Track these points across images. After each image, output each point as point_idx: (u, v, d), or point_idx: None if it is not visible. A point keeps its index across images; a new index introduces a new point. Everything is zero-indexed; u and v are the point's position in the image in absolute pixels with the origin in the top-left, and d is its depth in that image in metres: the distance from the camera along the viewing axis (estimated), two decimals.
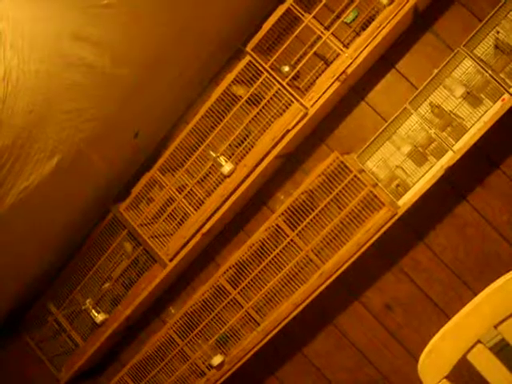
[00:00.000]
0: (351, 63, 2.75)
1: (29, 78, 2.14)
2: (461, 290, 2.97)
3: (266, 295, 3.02)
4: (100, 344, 3.38)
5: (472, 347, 1.36)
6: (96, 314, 3.36)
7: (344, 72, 2.76)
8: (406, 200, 2.76)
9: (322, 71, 2.90)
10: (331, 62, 2.84)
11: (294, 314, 2.93)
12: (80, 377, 3.57)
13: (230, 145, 2.99)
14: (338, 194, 2.81)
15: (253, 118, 2.92)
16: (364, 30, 2.78)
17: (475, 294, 2.16)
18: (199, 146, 3.02)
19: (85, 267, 3.40)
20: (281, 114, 2.87)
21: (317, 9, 2.76)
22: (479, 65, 2.67)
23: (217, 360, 3.07)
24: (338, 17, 2.92)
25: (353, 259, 2.81)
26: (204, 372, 3.16)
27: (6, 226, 2.63)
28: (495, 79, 2.62)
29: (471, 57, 2.69)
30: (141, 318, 3.60)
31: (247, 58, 2.87)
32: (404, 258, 3.07)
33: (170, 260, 3.15)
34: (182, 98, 3.28)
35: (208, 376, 3.14)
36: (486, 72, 2.64)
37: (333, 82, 2.78)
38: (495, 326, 1.38)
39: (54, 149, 2.55)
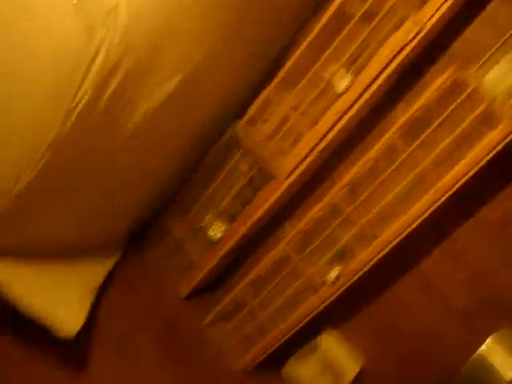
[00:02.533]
0: None
1: (150, 3, 2.59)
2: None
3: (380, 212, 3.50)
4: (218, 259, 3.99)
5: None
6: (214, 231, 4.03)
7: None
8: None
9: None
10: None
11: (410, 228, 3.38)
12: (198, 291, 4.22)
13: (345, 61, 3.41)
14: (455, 109, 3.21)
15: (368, 34, 3.34)
16: None
17: None
18: (315, 63, 3.47)
19: (203, 186, 4.00)
20: (396, 30, 3.27)
21: None
22: None
23: (333, 274, 3.62)
24: None
25: (468, 176, 3.20)
26: (319, 288, 3.73)
27: (135, 141, 3.11)
28: None
29: None
30: (257, 236, 4.17)
31: None
32: None
33: (286, 177, 3.66)
34: (296, 16, 3.77)
35: (322, 291, 3.70)
36: None
37: None
38: None
39: (174, 69, 3.01)
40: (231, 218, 3.95)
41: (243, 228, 3.88)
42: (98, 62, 2.48)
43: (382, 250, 3.46)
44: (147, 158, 3.39)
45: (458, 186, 3.25)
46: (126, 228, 3.95)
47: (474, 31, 3.47)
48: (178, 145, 3.59)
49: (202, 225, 3.97)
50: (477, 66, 3.24)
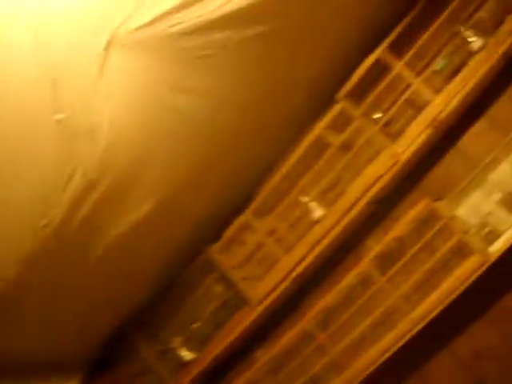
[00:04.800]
0: (442, 110, 3.21)
1: (133, 127, 2.68)
2: None
3: (353, 341, 3.47)
4: (188, 382, 3.97)
5: None
6: (184, 353, 3.96)
7: (435, 119, 3.23)
8: (497, 247, 3.12)
9: (414, 118, 3.35)
10: (422, 109, 3.30)
11: (381, 361, 3.36)
12: None
13: (321, 190, 3.48)
14: (428, 240, 3.25)
15: (344, 165, 3.42)
16: (454, 76, 3.30)
17: None
18: (291, 190, 3.54)
19: (174, 307, 4.00)
20: (372, 161, 3.35)
21: (408, 56, 3.29)
22: None
23: None
24: (428, 64, 3.42)
25: (442, 307, 3.21)
26: None
27: (105, 262, 3.15)
28: None
29: None
30: (228, 360, 4.09)
31: (339, 105, 3.40)
32: (495, 307, 3.43)
33: (259, 303, 3.67)
34: (274, 143, 3.80)
35: None
36: None
37: (424, 129, 3.25)
38: None
39: (150, 193, 3.08)
40: (203, 340, 3.88)
41: (215, 351, 3.86)
42: (75, 181, 2.59)
43: (353, 381, 3.43)
44: (118, 279, 3.43)
45: (431, 315, 3.26)
46: (95, 344, 3.96)
47: (446, 164, 3.58)
48: (151, 265, 3.58)
49: (173, 346, 3.89)
50: (449, 199, 3.33)
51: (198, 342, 3.94)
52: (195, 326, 3.87)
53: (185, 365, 3.94)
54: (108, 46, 2.34)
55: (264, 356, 3.73)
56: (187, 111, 2.88)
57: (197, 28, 2.55)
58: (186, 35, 2.55)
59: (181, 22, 2.47)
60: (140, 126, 2.72)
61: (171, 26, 2.46)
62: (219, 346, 3.82)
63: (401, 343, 3.32)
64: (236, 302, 3.70)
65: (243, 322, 3.73)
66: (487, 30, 3.18)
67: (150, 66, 2.55)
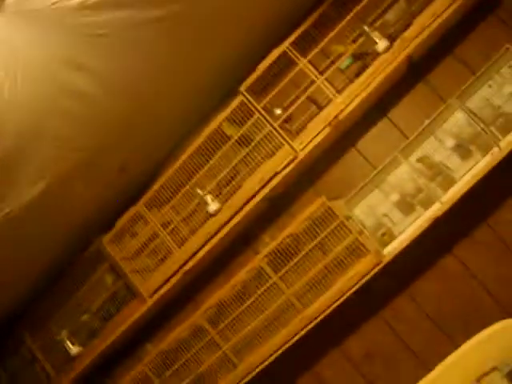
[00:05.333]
0: (343, 109, 3.19)
1: (20, 100, 2.53)
2: (442, 342, 3.37)
3: (245, 337, 3.42)
4: (74, 375, 3.86)
5: None
6: (71, 346, 3.80)
7: (336, 117, 3.19)
8: (392, 249, 3.17)
9: (314, 115, 3.34)
10: (324, 107, 3.28)
11: (272, 358, 3.35)
12: None
13: (217, 184, 3.41)
14: (323, 239, 3.24)
15: (242, 159, 3.36)
16: (358, 76, 3.29)
17: (457, 347, 2.81)
18: (187, 183, 3.47)
19: (63, 298, 3.85)
20: (270, 156, 3.30)
21: (312, 53, 3.23)
22: (470, 117, 3.09)
23: None
24: (333, 62, 3.39)
25: (334, 306, 3.22)
26: None
27: None
28: (486, 132, 3.04)
29: (463, 109, 3.12)
30: (117, 354, 4.05)
31: (240, 98, 3.32)
32: (386, 308, 3.50)
33: (150, 296, 3.59)
34: (172, 134, 3.70)
35: None
36: (477, 124, 3.06)
37: (324, 127, 3.23)
38: (477, 380, 1.83)
39: (39, 175, 2.95)
40: (91, 333, 3.74)
41: (102, 345, 3.77)
42: None
43: (244, 377, 3.43)
44: (3, 264, 3.32)
45: (324, 314, 3.29)
46: None
47: (345, 163, 3.63)
48: (39, 252, 3.50)
49: (60, 338, 3.74)
50: (346, 199, 3.33)
51: (86, 335, 3.83)
52: (84, 318, 3.75)
53: (72, 358, 3.81)
54: None
55: (154, 350, 3.65)
56: (81, 91, 2.77)
57: (97, 4, 2.42)
58: (85, 10, 2.42)
59: None
60: (27, 101, 2.59)
61: None
62: (107, 339, 3.74)
63: (293, 341, 3.33)
64: (126, 294, 3.59)
65: (133, 315, 3.66)
66: (393, 32, 3.21)
67: (41, 38, 2.42)
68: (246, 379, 3.43)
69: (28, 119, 2.66)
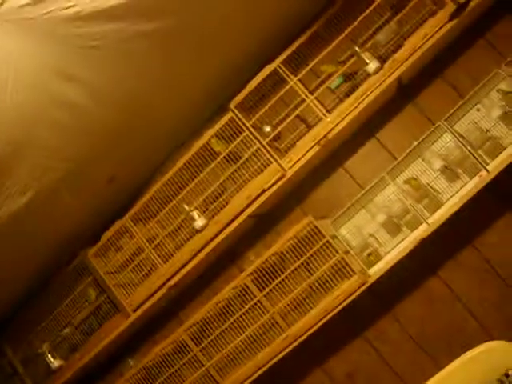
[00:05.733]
0: (332, 129, 3.20)
1: (10, 109, 2.52)
2: (425, 364, 3.37)
3: (228, 355, 3.40)
4: None
5: None
6: (52, 360, 3.74)
7: (325, 137, 3.21)
8: (377, 269, 3.17)
9: (303, 134, 3.36)
10: (313, 126, 3.31)
11: (255, 376, 3.33)
12: None
13: (204, 200, 3.41)
14: (308, 258, 3.22)
15: (230, 175, 3.36)
16: (348, 96, 3.33)
17: (440, 369, 2.81)
18: (174, 198, 3.45)
19: (46, 310, 3.82)
20: (258, 174, 3.30)
21: (303, 72, 3.24)
22: (459, 140, 3.12)
23: None
24: (323, 82, 3.41)
25: (319, 325, 3.21)
26: None
27: None
28: (474, 155, 3.06)
29: (451, 132, 3.15)
30: (98, 369, 4.02)
31: (229, 115, 3.33)
32: (370, 328, 3.50)
33: (134, 311, 3.55)
34: (161, 148, 3.70)
35: None
36: (465, 147, 3.09)
37: (313, 146, 3.24)
38: None
39: (26, 185, 2.93)
40: (72, 346, 3.71)
41: (84, 359, 3.73)
42: None
43: None
44: None
45: (308, 333, 3.28)
46: None
47: (332, 183, 3.66)
48: (23, 263, 3.51)
49: (41, 352, 3.70)
50: (333, 218, 3.35)
51: (68, 349, 3.78)
52: (65, 331, 3.71)
53: (52, 372, 3.75)
54: None
55: (136, 366, 3.62)
56: (71, 101, 2.77)
57: (90, 15, 2.42)
58: (77, 21, 2.42)
59: (73, 6, 2.33)
60: (16, 110, 2.58)
61: (62, 9, 2.32)
62: (89, 353, 3.69)
63: (276, 359, 3.33)
64: (109, 308, 3.57)
65: (115, 329, 3.63)
66: (384, 54, 3.24)
67: (33, 47, 2.41)
68: None
69: (17, 128, 2.65)
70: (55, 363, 3.78)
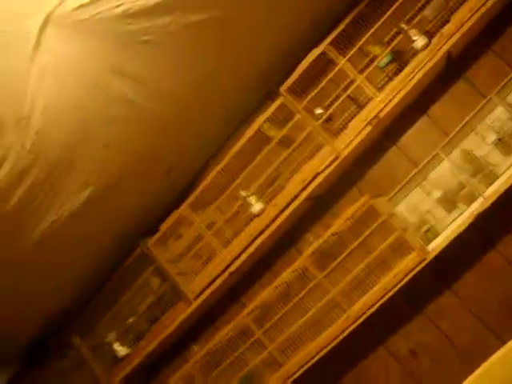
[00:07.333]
0: (383, 107, 3.22)
1: (68, 111, 2.61)
2: (488, 339, 3.35)
3: (290, 337, 3.45)
4: (123, 377, 3.92)
5: None
6: (119, 348, 3.89)
7: (376, 116, 3.23)
8: (435, 245, 3.16)
9: (355, 114, 3.37)
10: (364, 106, 3.31)
11: (318, 357, 3.38)
12: None
13: (260, 185, 3.47)
14: (367, 237, 3.26)
15: (284, 159, 3.41)
16: (397, 74, 3.31)
17: (503, 343, 2.80)
18: (230, 184, 3.51)
19: (110, 301, 3.91)
20: (312, 156, 3.35)
21: (351, 52, 3.26)
22: (511, 112, 3.13)
23: None
24: (372, 61, 3.42)
25: (379, 304, 3.22)
26: None
27: (35, 257, 3.08)
28: None
29: (503, 104, 3.11)
30: (164, 355, 4.12)
31: (281, 99, 3.38)
32: (430, 305, 3.51)
33: (196, 298, 3.63)
34: (215, 136, 3.78)
35: None
36: None
37: (365, 126, 3.25)
38: None
39: (86, 181, 3.00)
40: (138, 334, 3.82)
41: (150, 346, 3.82)
42: (6, 167, 2.50)
43: (290, 376, 3.42)
44: (53, 269, 3.38)
45: (369, 312, 3.28)
46: (25, 340, 3.91)
47: (387, 161, 3.64)
48: (85, 258, 3.57)
49: (107, 341, 3.82)
50: (389, 196, 3.33)
51: (133, 337, 3.89)
52: (130, 320, 3.78)
53: (119, 360, 3.87)
54: (44, 26, 2.28)
55: (200, 351, 3.67)
56: (125, 97, 2.84)
57: (139, 11, 2.50)
58: (127, 18, 2.51)
59: (123, 4, 2.42)
60: (75, 110, 2.66)
61: (112, 8, 2.41)
62: (154, 340, 3.78)
63: (338, 340, 3.34)
64: (172, 296, 3.64)
65: (179, 316, 3.71)
66: (431, 29, 3.21)
67: (88, 47, 2.50)
68: (292, 378, 3.44)
69: (76, 126, 2.73)
70: (122, 351, 3.89)
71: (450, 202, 3.28)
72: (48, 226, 2.99)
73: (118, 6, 2.43)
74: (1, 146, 2.45)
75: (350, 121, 3.40)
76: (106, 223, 3.47)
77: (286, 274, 3.42)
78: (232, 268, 3.55)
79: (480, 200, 3.11)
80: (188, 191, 3.79)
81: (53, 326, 3.96)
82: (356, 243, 3.27)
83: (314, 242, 3.39)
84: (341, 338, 3.33)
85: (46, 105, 2.49)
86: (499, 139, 3.18)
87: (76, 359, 4.01)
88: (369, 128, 3.25)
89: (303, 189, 3.37)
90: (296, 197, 3.39)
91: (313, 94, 3.34)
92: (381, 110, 3.23)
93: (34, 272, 3.24)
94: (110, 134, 2.93)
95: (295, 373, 3.42)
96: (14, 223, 2.78)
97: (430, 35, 3.16)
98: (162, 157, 3.39)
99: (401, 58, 3.38)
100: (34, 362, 3.90)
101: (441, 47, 3.12)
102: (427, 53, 3.14)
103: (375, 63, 3.31)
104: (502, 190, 3.02)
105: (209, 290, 3.63)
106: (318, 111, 3.45)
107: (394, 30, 3.29)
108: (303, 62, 3.33)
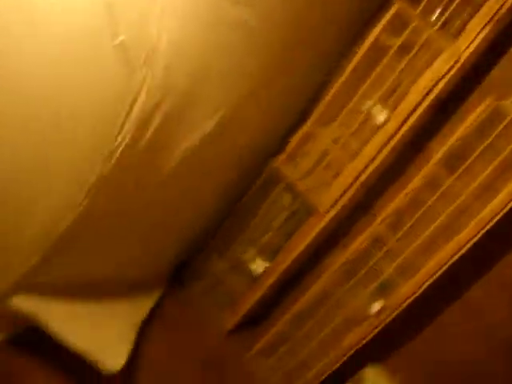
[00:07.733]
0: (503, 4, 3.14)
1: (189, 44, 2.67)
2: None
3: (424, 243, 3.52)
4: (260, 294, 4.09)
5: None
6: (256, 266, 4.12)
7: (497, 13, 3.16)
8: None
9: (474, 13, 3.29)
10: (481, 6, 3.25)
11: (454, 259, 3.40)
12: (241, 326, 4.32)
13: (382, 95, 3.52)
14: (494, 138, 3.24)
15: (403, 68, 3.42)
16: None
17: None
18: (352, 98, 3.58)
19: (245, 220, 4.13)
20: (432, 61, 3.34)
21: None
22: None
23: (376, 307, 3.65)
24: None
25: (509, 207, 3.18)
26: (362, 321, 3.74)
27: (173, 181, 3.20)
28: None
29: None
30: (299, 270, 4.24)
31: (395, 7, 3.39)
32: None
33: (328, 211, 3.76)
34: (332, 49, 3.80)
35: (365, 325, 3.71)
36: None
37: (485, 25, 3.19)
38: None
39: (215, 107, 3.10)
40: (273, 252, 4.00)
41: (285, 262, 3.94)
42: (140, 102, 2.55)
43: (426, 281, 3.47)
44: (188, 195, 3.48)
45: (500, 215, 3.23)
46: (167, 264, 4.07)
47: (507, 62, 3.48)
48: (218, 181, 3.72)
49: (244, 260, 4.00)
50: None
51: (270, 254, 4.06)
52: (266, 237, 3.91)
53: (257, 277, 4.05)
54: None
55: (334, 264, 3.77)
56: (243, 23, 2.87)
57: None
58: None
59: None
60: (198, 41, 2.70)
61: None
62: (290, 255, 3.92)
63: (471, 244, 3.33)
64: (304, 211, 3.74)
65: (312, 230, 3.80)
66: None
67: None
68: (426, 284, 3.51)
69: (197, 61, 2.78)
70: (260, 268, 4.08)
71: None
72: (182, 154, 3.08)
73: None
74: (134, 83, 2.51)
75: (468, 22, 3.31)
76: (234, 148, 3.58)
77: (416, 181, 3.47)
78: (361, 179, 3.61)
79: None
80: (310, 109, 3.84)
81: (192, 247, 4.18)
82: (482, 146, 3.26)
83: (439, 148, 3.36)
84: (476, 239, 3.32)
85: (169, 38, 2.53)
86: None
87: (214, 279, 4.22)
88: (489, 27, 3.18)
89: (425, 96, 3.36)
90: (418, 105, 3.38)
91: None
92: (500, 8, 3.14)
93: (170, 200, 3.37)
94: (232, 63, 3.01)
95: (427, 280, 3.46)
96: (148, 156, 2.86)
97: None
98: (283, 76, 3.43)
99: None
100: (176, 283, 4.07)
101: None
102: None
103: None
104: None
105: (340, 203, 3.72)
106: (435, 15, 3.37)
107: None
108: None
